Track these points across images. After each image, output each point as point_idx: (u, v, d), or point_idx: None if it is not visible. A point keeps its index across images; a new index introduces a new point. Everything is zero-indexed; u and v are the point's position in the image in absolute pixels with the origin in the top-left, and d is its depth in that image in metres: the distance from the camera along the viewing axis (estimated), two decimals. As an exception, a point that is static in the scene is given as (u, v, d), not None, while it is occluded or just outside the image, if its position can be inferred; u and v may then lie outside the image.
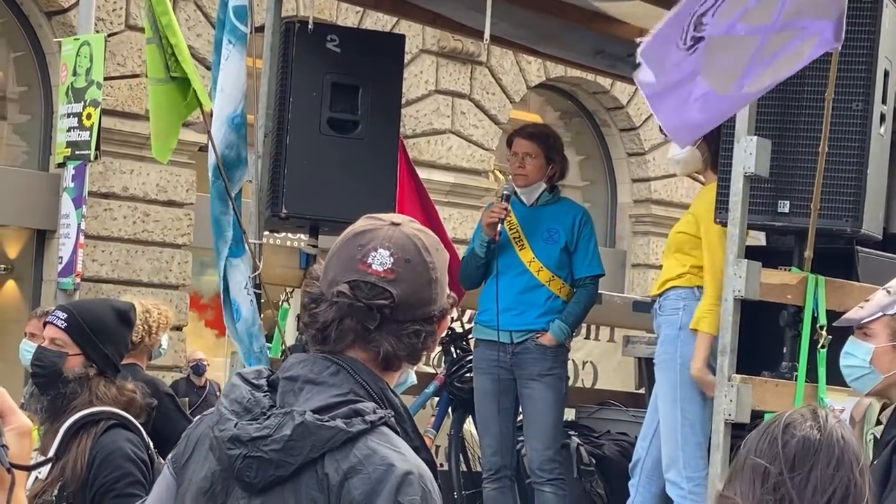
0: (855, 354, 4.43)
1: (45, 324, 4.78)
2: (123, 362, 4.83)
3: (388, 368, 2.58)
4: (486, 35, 6.53)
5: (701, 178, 6.79)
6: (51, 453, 4.36)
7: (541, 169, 7.26)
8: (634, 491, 6.54)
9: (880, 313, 4.32)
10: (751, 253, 5.85)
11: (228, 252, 6.60)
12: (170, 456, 2.66)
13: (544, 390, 7.11)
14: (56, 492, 4.32)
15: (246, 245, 6.83)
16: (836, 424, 2.41)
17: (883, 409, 4.54)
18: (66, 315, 4.62)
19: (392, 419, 2.51)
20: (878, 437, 4.27)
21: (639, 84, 4.99)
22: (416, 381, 7.71)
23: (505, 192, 7.30)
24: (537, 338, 7.12)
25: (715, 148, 6.29)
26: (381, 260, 2.54)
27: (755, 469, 2.35)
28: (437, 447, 8.31)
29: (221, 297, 6.59)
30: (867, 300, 4.49)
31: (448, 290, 2.63)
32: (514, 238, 7.24)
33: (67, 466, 4.36)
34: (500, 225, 7.12)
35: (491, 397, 7.20)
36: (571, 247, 7.23)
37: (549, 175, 7.29)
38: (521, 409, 7.27)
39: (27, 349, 7.33)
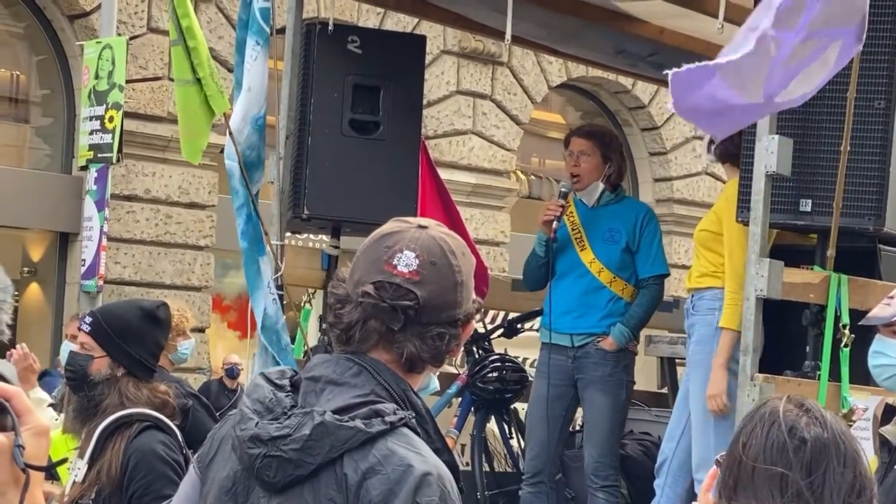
0: (885, 353, 4.40)
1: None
2: None
3: (411, 370, 2.58)
4: (508, 35, 6.53)
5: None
6: (86, 457, 4.38)
7: (597, 168, 7.17)
8: (660, 491, 6.52)
9: None
10: (773, 252, 5.85)
11: (258, 249, 6.62)
12: (195, 455, 2.68)
13: (603, 396, 7.03)
14: (93, 495, 4.35)
15: (267, 246, 6.85)
16: (832, 418, 2.40)
17: None
18: (91, 319, 4.69)
19: (413, 420, 2.51)
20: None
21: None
22: (438, 387, 7.71)
23: (562, 190, 7.24)
24: (598, 342, 7.06)
25: (734, 138, 6.34)
26: (406, 262, 2.55)
27: (772, 478, 2.32)
28: (462, 447, 8.31)
29: (253, 281, 6.59)
30: (892, 297, 4.47)
31: (474, 295, 2.64)
32: (576, 239, 7.17)
33: (103, 469, 4.39)
34: (555, 223, 7.06)
35: (541, 403, 7.13)
36: (633, 246, 7.10)
37: (606, 174, 7.19)
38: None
39: (66, 351, 7.41)
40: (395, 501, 2.41)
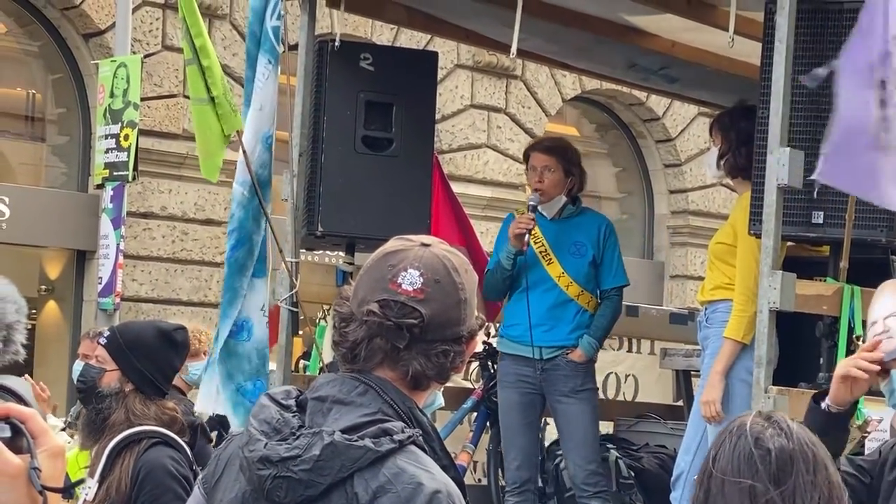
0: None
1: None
2: None
3: (416, 388, 2.60)
4: (513, 49, 6.55)
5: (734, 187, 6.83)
6: (96, 475, 4.41)
7: (560, 182, 7.27)
8: None
9: None
10: (785, 264, 5.85)
11: (252, 272, 6.63)
12: (200, 476, 2.69)
13: (580, 406, 7.13)
14: None
15: (283, 263, 6.86)
16: (797, 427, 2.42)
17: None
18: (108, 333, 4.76)
19: (420, 438, 2.52)
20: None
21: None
22: (443, 404, 7.71)
23: (531, 203, 7.29)
24: (567, 354, 7.13)
25: (733, 152, 6.37)
26: (410, 280, 2.56)
27: (741, 490, 2.34)
28: (475, 463, 8.31)
29: (225, 308, 6.60)
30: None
31: (477, 312, 2.66)
32: (541, 253, 7.24)
33: (112, 485, 4.42)
34: (527, 236, 7.12)
35: (517, 411, 7.22)
36: (598, 259, 7.23)
37: (568, 188, 7.29)
38: (553, 425, 7.29)
39: (78, 369, 7.44)
40: None
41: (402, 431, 2.49)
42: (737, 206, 6.64)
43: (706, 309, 6.53)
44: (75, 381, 7.38)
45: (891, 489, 4.00)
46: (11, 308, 3.61)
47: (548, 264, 7.22)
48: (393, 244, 2.64)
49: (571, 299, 7.20)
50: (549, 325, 7.17)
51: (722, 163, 6.51)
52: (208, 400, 6.49)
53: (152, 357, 4.67)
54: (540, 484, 7.59)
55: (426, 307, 2.55)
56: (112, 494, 4.41)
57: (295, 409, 2.56)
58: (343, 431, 2.48)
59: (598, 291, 7.26)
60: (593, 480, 7.09)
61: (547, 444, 7.84)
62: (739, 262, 6.26)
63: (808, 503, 2.33)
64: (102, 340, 4.74)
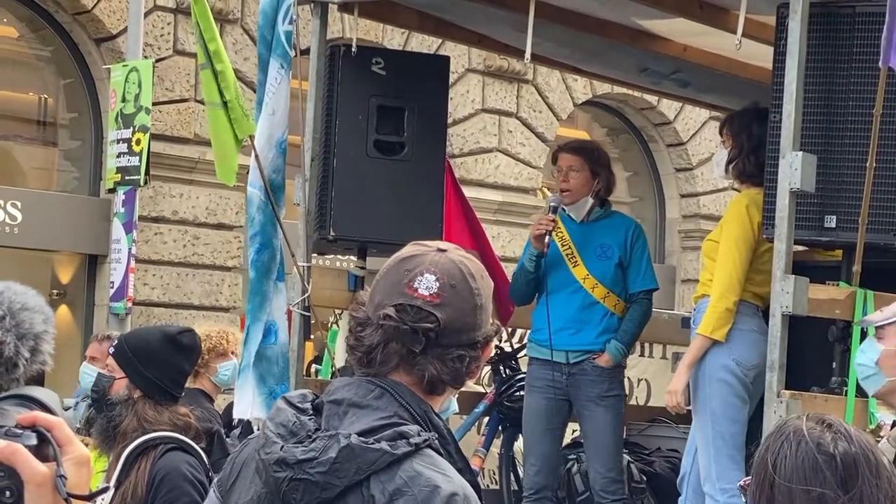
0: (866, 353, 4.45)
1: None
2: (189, 386, 4.92)
3: (431, 392, 2.60)
4: (528, 55, 6.56)
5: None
6: (112, 480, 4.43)
7: (586, 183, 7.22)
8: None
9: (894, 318, 4.34)
10: (797, 268, 5.85)
11: (277, 276, 6.65)
12: (215, 480, 2.70)
13: (604, 413, 7.06)
14: None
15: (295, 268, 6.87)
16: (855, 431, 2.41)
17: None
18: (117, 342, 4.80)
19: (436, 441, 2.53)
20: None
21: None
22: (458, 409, 7.71)
23: (552, 205, 7.27)
24: (594, 359, 7.07)
25: (741, 155, 6.38)
26: (427, 284, 2.57)
27: (810, 499, 2.33)
28: (484, 469, 8.31)
29: (255, 312, 6.61)
30: (889, 306, 4.49)
31: (492, 318, 2.66)
32: (567, 255, 7.20)
33: (128, 491, 4.43)
34: (547, 237, 7.09)
35: (541, 416, 7.17)
36: (625, 262, 7.18)
37: (595, 189, 7.24)
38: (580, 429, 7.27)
39: (87, 372, 7.45)
40: None
41: (419, 435, 2.50)
42: (729, 204, 6.68)
43: (694, 308, 6.58)
44: (83, 385, 7.42)
45: None
46: (39, 318, 3.63)
47: (573, 267, 7.18)
48: (409, 249, 2.65)
49: (598, 301, 7.13)
50: (576, 328, 7.11)
51: (731, 167, 6.51)
52: (246, 405, 6.51)
53: (158, 363, 4.68)
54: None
55: (442, 312, 2.56)
56: (128, 500, 4.43)
57: (311, 412, 2.57)
58: (359, 434, 2.48)
59: (626, 294, 7.20)
60: (612, 488, 7.04)
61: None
62: (718, 258, 6.29)
63: None
64: (111, 349, 4.78)
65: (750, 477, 2.48)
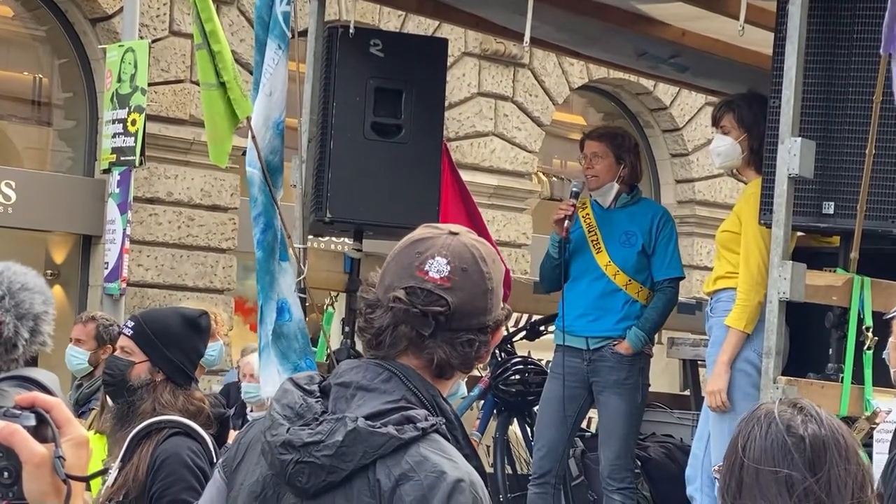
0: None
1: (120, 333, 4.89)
2: None
3: (440, 376, 2.59)
4: (527, 38, 6.53)
5: (742, 176, 6.77)
6: (117, 461, 4.41)
7: (610, 169, 7.16)
8: (700, 494, 6.48)
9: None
10: (795, 254, 5.84)
11: (279, 255, 6.63)
12: (220, 460, 2.69)
13: (619, 400, 7.02)
14: (121, 497, 4.38)
15: (290, 250, 6.85)
16: (826, 414, 2.41)
17: None
18: (133, 323, 4.70)
19: (443, 426, 2.52)
20: None
21: None
22: (466, 393, 7.71)
23: (574, 189, 7.24)
24: (614, 345, 7.04)
25: (756, 146, 6.29)
26: (437, 268, 2.56)
27: (777, 480, 2.33)
28: (487, 447, 8.31)
29: (267, 291, 6.60)
30: None
31: (503, 303, 2.64)
32: (593, 241, 7.16)
33: (130, 472, 4.42)
34: (567, 222, 7.06)
35: (555, 403, 7.13)
36: (649, 249, 7.10)
37: (620, 175, 7.18)
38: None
39: (73, 354, 7.42)
40: None
41: (426, 419, 2.48)
42: (743, 195, 6.62)
43: (712, 298, 6.52)
44: (70, 367, 7.39)
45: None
46: (39, 299, 3.62)
47: (597, 253, 7.13)
48: (421, 232, 2.64)
49: (619, 288, 7.07)
50: (596, 314, 7.07)
51: (744, 158, 6.43)
52: (272, 383, 6.49)
53: (181, 345, 4.64)
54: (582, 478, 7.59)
55: (452, 295, 2.54)
56: (129, 481, 4.41)
57: (318, 394, 2.55)
58: (366, 418, 2.47)
59: (651, 282, 7.14)
60: (620, 476, 7.01)
61: None
62: (743, 251, 6.25)
63: (843, 489, 2.32)
64: (128, 332, 4.68)
65: (723, 462, 2.48)
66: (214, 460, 4.46)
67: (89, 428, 5.45)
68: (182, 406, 4.53)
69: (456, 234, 2.61)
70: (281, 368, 6.49)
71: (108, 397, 4.73)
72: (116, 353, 4.69)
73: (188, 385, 4.63)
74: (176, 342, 4.62)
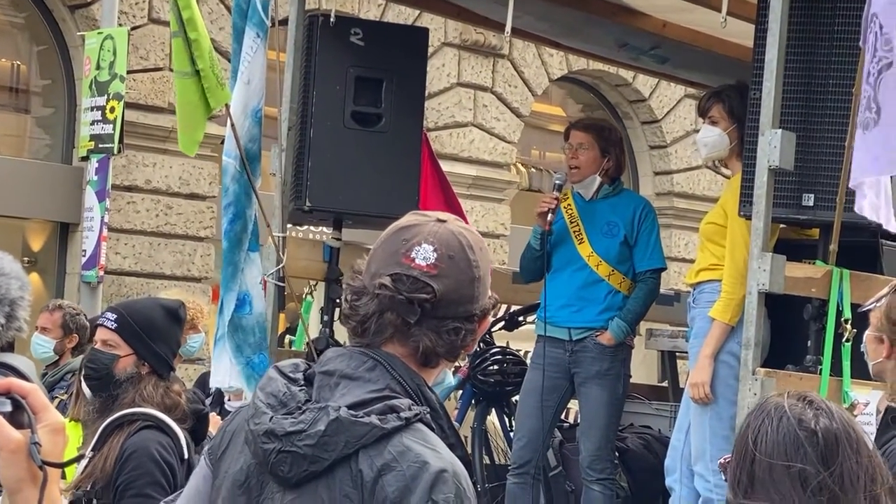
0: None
1: (96, 326, 4.82)
2: None
3: (426, 365, 2.58)
4: (508, 28, 6.52)
5: (724, 169, 6.77)
6: (89, 450, 4.40)
7: (594, 161, 7.16)
8: (679, 485, 6.49)
9: (873, 304, 4.37)
10: (775, 246, 5.85)
11: (248, 246, 6.62)
12: (206, 448, 2.68)
13: (600, 391, 7.03)
14: (89, 486, 4.37)
15: (270, 238, 6.84)
16: (836, 407, 2.41)
17: None
18: (115, 316, 4.64)
19: (428, 416, 2.50)
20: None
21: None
22: (454, 384, 7.71)
23: (556, 182, 7.24)
24: (596, 336, 7.06)
25: (744, 137, 6.30)
26: (424, 255, 2.55)
27: (791, 474, 2.33)
28: (465, 438, 8.31)
29: (228, 282, 6.59)
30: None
31: (490, 292, 2.63)
32: (575, 232, 7.16)
33: (99, 462, 4.40)
34: (550, 215, 7.06)
35: (536, 393, 7.13)
36: (631, 240, 7.11)
37: (604, 168, 7.18)
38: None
39: (38, 342, 7.39)
40: (411, 498, 2.40)
41: (409, 409, 2.47)
42: (729, 187, 6.62)
43: (694, 289, 6.52)
44: (35, 355, 7.34)
45: None
46: (15, 284, 3.60)
47: (579, 244, 7.14)
48: (408, 219, 2.63)
49: (602, 279, 7.08)
50: (579, 305, 7.07)
51: (732, 146, 6.42)
52: (223, 374, 6.49)
53: (165, 337, 4.62)
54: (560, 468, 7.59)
55: (439, 283, 2.53)
56: (97, 471, 4.40)
57: (302, 382, 2.54)
58: (349, 407, 2.46)
59: (633, 273, 7.15)
60: (599, 466, 7.02)
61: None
62: (729, 244, 6.25)
63: (855, 483, 2.32)
64: (111, 324, 4.62)
65: (730, 455, 2.47)
66: (185, 456, 4.44)
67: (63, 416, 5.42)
68: (160, 399, 4.51)
69: (444, 221, 2.60)
70: (234, 361, 6.48)
71: (87, 389, 4.67)
72: (99, 347, 4.63)
73: (169, 377, 4.62)
74: (160, 334, 4.60)
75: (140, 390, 4.50)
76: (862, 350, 4.50)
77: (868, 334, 4.37)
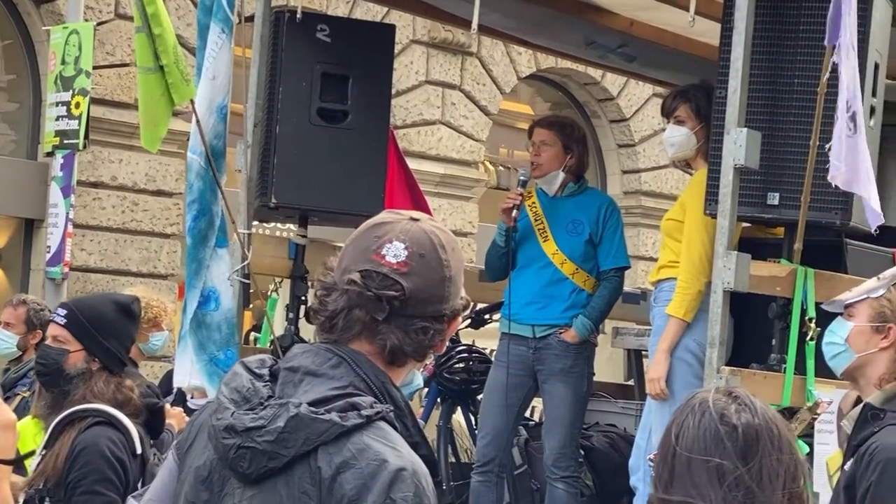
0: (836, 332, 4.46)
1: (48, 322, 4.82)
2: None
3: (393, 363, 2.56)
4: (474, 25, 6.50)
5: (691, 167, 6.77)
6: (41, 447, 4.38)
7: (557, 157, 7.18)
8: (643, 484, 6.49)
9: (865, 296, 4.36)
10: (739, 245, 5.85)
11: (215, 242, 6.58)
12: (175, 442, 2.68)
13: (564, 389, 7.04)
14: (41, 484, 4.35)
15: (235, 235, 6.81)
16: (760, 403, 2.40)
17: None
18: (65, 311, 4.65)
19: (391, 414, 2.49)
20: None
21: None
22: (422, 385, 7.69)
23: (521, 178, 7.25)
24: (560, 334, 7.06)
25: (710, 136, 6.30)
26: (395, 252, 2.54)
27: (709, 469, 2.32)
28: (431, 441, 8.30)
29: (191, 279, 6.56)
30: (858, 286, 4.52)
31: (463, 292, 2.61)
32: (539, 230, 7.17)
33: (50, 460, 4.38)
34: (514, 211, 7.06)
35: (499, 390, 7.13)
36: (596, 239, 7.14)
37: (567, 165, 7.20)
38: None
39: (2, 338, 7.34)
40: (369, 496, 2.39)
41: (371, 406, 2.46)
42: (689, 184, 6.63)
43: (655, 288, 6.54)
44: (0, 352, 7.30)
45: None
46: None
47: (544, 241, 7.15)
48: (381, 216, 2.62)
49: (566, 277, 7.09)
50: (543, 303, 7.08)
51: (699, 146, 6.43)
52: (184, 372, 6.46)
53: (116, 333, 4.61)
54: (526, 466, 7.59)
55: (408, 280, 2.52)
56: (49, 469, 4.38)
57: (268, 378, 2.53)
58: (311, 404, 2.45)
59: (598, 271, 7.16)
60: (564, 464, 7.03)
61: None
62: (685, 239, 6.26)
63: (774, 480, 2.31)
64: (60, 320, 4.62)
65: (657, 450, 2.47)
66: (138, 451, 4.43)
67: (26, 413, 5.39)
68: (112, 395, 4.49)
69: (416, 220, 2.60)
70: (196, 359, 6.46)
71: (43, 388, 4.67)
72: (49, 343, 4.63)
73: (122, 372, 4.59)
74: (111, 330, 4.58)
75: (90, 386, 4.49)
76: (830, 340, 4.49)
77: (857, 326, 4.35)
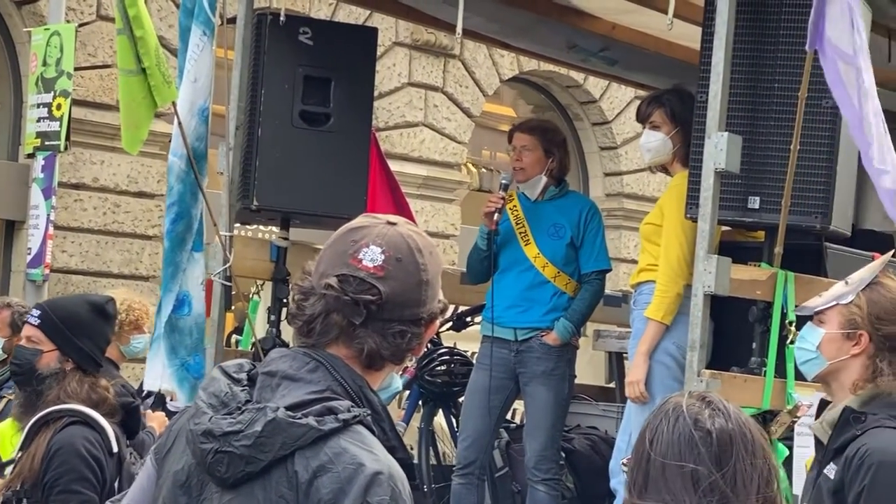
0: (806, 339, 4.47)
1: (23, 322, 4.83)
2: None
3: (370, 367, 2.57)
4: (459, 29, 6.52)
5: (668, 171, 6.79)
6: (16, 449, 4.38)
7: (539, 162, 7.20)
8: (623, 487, 6.49)
9: (835, 302, 4.37)
10: (719, 248, 5.87)
11: (192, 246, 6.58)
12: (153, 446, 2.68)
13: (546, 391, 7.05)
14: (18, 485, 4.35)
15: (217, 237, 6.81)
16: (734, 408, 2.40)
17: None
18: (39, 312, 4.67)
19: (368, 418, 2.49)
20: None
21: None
22: (401, 388, 7.69)
23: (503, 182, 7.27)
24: (542, 336, 7.07)
25: (687, 141, 6.31)
26: (371, 256, 2.54)
27: (683, 474, 2.32)
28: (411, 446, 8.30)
29: (167, 283, 6.55)
30: (827, 291, 4.52)
31: (440, 296, 2.62)
32: (521, 233, 7.19)
33: (27, 461, 4.38)
34: (496, 215, 7.07)
35: (481, 394, 7.14)
36: (577, 242, 7.15)
37: (549, 168, 7.21)
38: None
39: None
40: (346, 500, 2.39)
41: (348, 411, 2.46)
42: (668, 187, 6.65)
43: (635, 291, 6.56)
44: None
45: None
46: None
47: (525, 245, 7.17)
48: (358, 220, 2.62)
49: (548, 280, 7.11)
50: (525, 306, 7.10)
51: (675, 150, 6.45)
52: (155, 376, 6.45)
53: (90, 333, 4.61)
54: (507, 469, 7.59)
55: (385, 285, 2.53)
56: (25, 470, 4.38)
57: (245, 382, 2.53)
58: (288, 408, 2.45)
59: (579, 274, 7.18)
60: (545, 466, 7.04)
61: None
62: (664, 242, 6.28)
63: (748, 484, 2.31)
64: (34, 321, 4.63)
65: (631, 455, 2.47)
66: (114, 450, 4.43)
67: (4, 415, 5.39)
68: (86, 395, 4.50)
69: (394, 224, 2.60)
70: (167, 363, 6.46)
71: (17, 387, 4.69)
72: (22, 343, 4.65)
73: (97, 372, 4.60)
74: (85, 330, 4.59)
75: (64, 386, 4.50)
76: (801, 346, 4.50)
77: (828, 333, 4.35)
